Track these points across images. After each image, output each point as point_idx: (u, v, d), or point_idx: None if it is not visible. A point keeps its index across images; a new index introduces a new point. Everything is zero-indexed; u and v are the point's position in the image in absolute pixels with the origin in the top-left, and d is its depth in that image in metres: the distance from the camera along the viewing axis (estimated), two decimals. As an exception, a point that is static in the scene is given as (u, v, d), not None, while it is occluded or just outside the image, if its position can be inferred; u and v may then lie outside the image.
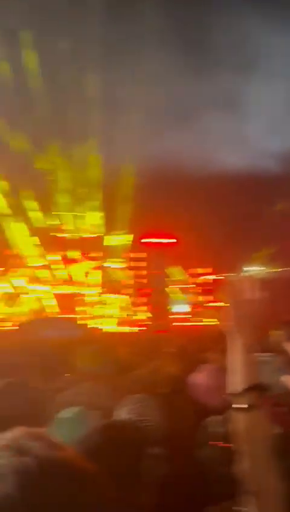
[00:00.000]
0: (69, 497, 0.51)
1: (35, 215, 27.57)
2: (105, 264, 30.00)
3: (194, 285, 36.03)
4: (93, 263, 30.12)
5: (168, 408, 1.81)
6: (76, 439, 1.25)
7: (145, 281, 30.40)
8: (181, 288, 33.26)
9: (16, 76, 22.58)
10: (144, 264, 31.04)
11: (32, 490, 0.50)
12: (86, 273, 30.03)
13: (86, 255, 29.96)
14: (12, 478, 0.51)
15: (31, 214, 27.40)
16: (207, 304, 34.45)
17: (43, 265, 29.05)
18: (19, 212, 27.03)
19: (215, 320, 27.09)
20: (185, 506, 1.16)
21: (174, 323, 27.92)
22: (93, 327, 25.63)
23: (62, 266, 29.67)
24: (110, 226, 29.09)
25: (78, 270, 29.72)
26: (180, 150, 23.48)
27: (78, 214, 29.24)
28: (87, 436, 0.88)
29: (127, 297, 29.56)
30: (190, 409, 2.29)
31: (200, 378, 2.13)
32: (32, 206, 27.24)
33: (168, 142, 24.42)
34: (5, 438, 0.61)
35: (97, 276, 29.93)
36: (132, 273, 31.72)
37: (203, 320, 30.74)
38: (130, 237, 29.37)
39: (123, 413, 1.54)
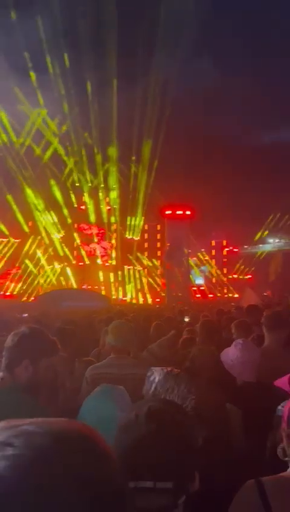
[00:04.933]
0: None
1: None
2: (123, 237, 30.05)
3: (211, 258, 35.76)
4: (111, 237, 30.21)
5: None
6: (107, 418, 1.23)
7: (160, 253, 30.34)
8: (199, 261, 33.06)
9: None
10: (159, 236, 30.94)
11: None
12: (104, 247, 30.12)
13: (103, 230, 29.98)
14: None
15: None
16: (228, 277, 34.28)
17: (61, 240, 29.25)
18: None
19: (235, 293, 27.05)
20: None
21: (196, 296, 27.85)
22: (114, 299, 25.82)
23: (78, 241, 29.84)
24: (128, 199, 29.29)
25: (95, 245, 29.88)
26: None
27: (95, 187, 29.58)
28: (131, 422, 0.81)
29: (141, 269, 29.56)
30: (215, 385, 2.28)
31: (233, 353, 2.12)
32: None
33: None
34: None
35: (114, 250, 30.04)
36: (147, 245, 31.72)
37: (223, 293, 30.71)
38: (145, 211, 29.46)
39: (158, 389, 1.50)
